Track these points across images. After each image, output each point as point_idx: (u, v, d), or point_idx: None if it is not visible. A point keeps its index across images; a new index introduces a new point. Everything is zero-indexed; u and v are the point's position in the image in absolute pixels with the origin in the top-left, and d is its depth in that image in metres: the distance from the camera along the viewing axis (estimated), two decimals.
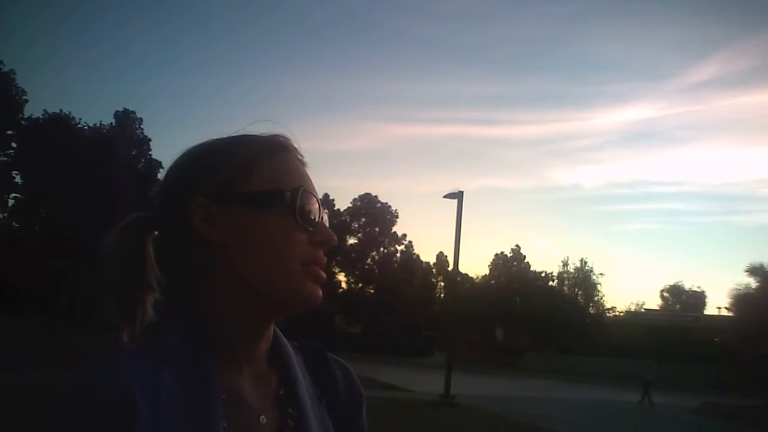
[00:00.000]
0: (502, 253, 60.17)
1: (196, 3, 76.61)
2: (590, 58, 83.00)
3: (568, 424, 15.44)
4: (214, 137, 0.95)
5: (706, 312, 56.95)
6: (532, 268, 58.96)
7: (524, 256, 59.72)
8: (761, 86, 77.98)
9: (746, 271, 38.28)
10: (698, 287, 66.18)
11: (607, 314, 58.07)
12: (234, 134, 0.95)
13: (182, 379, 0.82)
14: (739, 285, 38.51)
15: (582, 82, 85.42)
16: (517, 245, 60.14)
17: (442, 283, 56.58)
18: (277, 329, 0.98)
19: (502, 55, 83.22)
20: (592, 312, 57.00)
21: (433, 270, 57.82)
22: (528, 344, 46.44)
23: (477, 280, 58.83)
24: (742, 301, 37.41)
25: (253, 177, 0.90)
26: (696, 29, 77.09)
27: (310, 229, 0.89)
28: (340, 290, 53.69)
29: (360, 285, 54.61)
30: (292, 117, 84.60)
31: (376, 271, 54.13)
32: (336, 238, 0.93)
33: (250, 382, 0.91)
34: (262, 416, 0.89)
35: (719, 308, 50.62)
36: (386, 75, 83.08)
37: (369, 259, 55.56)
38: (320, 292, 0.90)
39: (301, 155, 0.98)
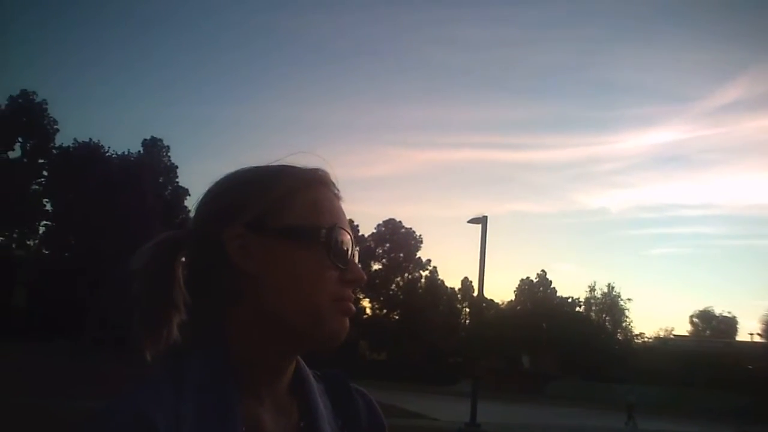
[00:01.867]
0: (527, 278, 59.59)
1: (222, 32, 77.98)
2: (615, 82, 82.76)
3: None
4: (254, 165, 0.95)
5: (737, 338, 55.75)
6: (558, 294, 58.29)
7: (550, 282, 59.10)
8: None
9: None
10: (729, 312, 64.87)
11: (636, 340, 57.03)
12: (273, 163, 0.95)
13: (204, 407, 0.82)
14: None
15: (607, 106, 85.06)
16: (543, 270, 59.56)
17: (468, 309, 56.16)
18: (300, 359, 0.97)
19: (527, 80, 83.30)
20: (620, 338, 56.04)
21: (458, 296, 57.42)
22: (555, 370, 45.77)
23: (502, 306, 58.27)
24: None
25: (291, 210, 0.90)
26: (720, 51, 76.68)
27: (342, 267, 0.89)
28: (365, 316, 53.53)
29: (385, 311, 54.41)
30: (317, 143, 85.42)
31: (401, 296, 53.94)
32: (365, 277, 0.93)
33: (271, 413, 0.90)
34: None
35: (751, 334, 49.57)
36: (412, 101, 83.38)
37: (393, 285, 55.41)
38: (347, 326, 0.89)
39: (338, 190, 0.97)
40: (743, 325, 74.74)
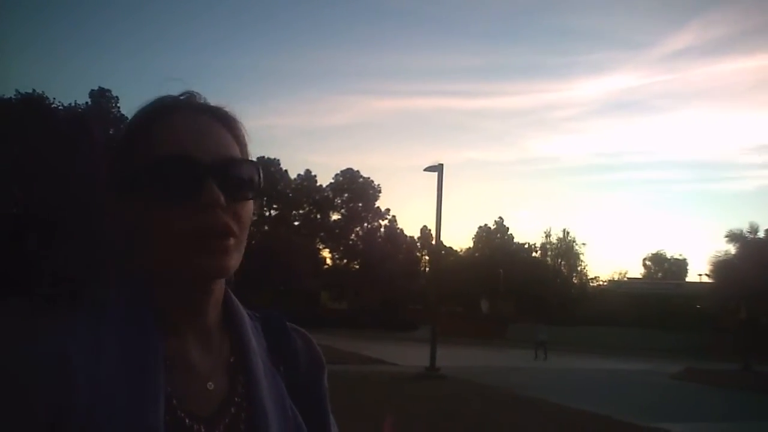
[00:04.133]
0: (485, 225, 60.30)
1: None
2: (569, 28, 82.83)
3: (554, 392, 15.52)
4: None
5: (687, 279, 57.65)
6: (515, 240, 59.21)
7: (507, 228, 59.92)
8: (735, 54, 78.11)
9: (726, 237, 38.75)
10: (680, 255, 66.97)
11: (591, 284, 58.56)
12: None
13: (124, 341, 0.84)
14: (719, 252, 39.01)
15: (561, 53, 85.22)
16: (500, 217, 60.30)
17: (427, 257, 56.68)
18: (232, 296, 0.98)
19: (482, 26, 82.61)
20: (575, 282, 57.44)
21: (418, 244, 57.85)
22: (513, 315, 46.76)
23: (461, 253, 58.98)
24: (721, 267, 37.89)
25: (133, 155, 0.89)
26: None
27: (183, 197, 0.85)
28: (326, 267, 53.61)
29: (345, 261, 54.56)
30: (272, 93, 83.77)
31: (361, 246, 54.07)
32: (222, 198, 0.86)
33: (198, 349, 0.91)
34: (210, 383, 0.90)
35: (700, 275, 51.24)
36: (366, 48, 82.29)
37: (353, 235, 55.47)
38: (220, 263, 0.86)
39: (200, 106, 0.94)
40: (693, 266, 77.38)
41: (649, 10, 78.35)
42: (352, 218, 55.29)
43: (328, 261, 54.83)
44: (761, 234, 38.39)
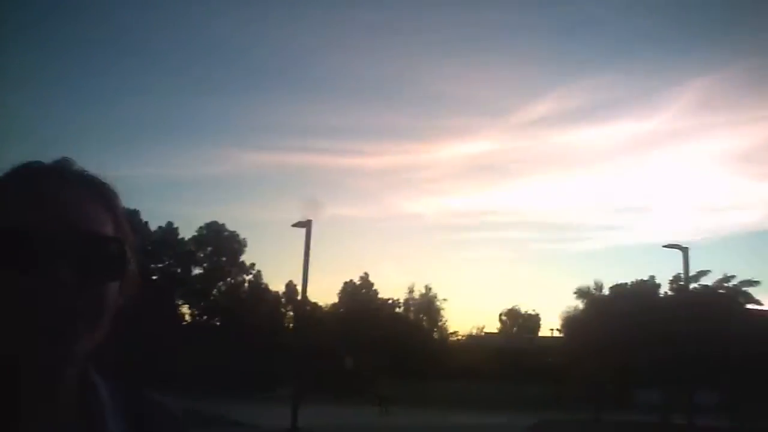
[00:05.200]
0: (351, 281, 60.60)
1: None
2: (435, 94, 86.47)
3: None
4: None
5: (540, 334, 60.63)
6: (379, 296, 59.85)
7: (372, 284, 60.52)
8: (587, 124, 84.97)
9: (575, 293, 41.42)
10: (533, 310, 70.35)
11: (451, 338, 60.07)
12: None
13: None
14: (569, 307, 41.65)
15: (427, 116, 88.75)
16: (365, 273, 60.84)
17: (292, 313, 55.95)
18: (93, 376, 0.89)
19: (352, 86, 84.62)
20: (436, 337, 58.69)
21: (282, 300, 57.02)
22: (377, 371, 46.87)
23: (326, 309, 58.76)
24: (570, 322, 40.40)
25: None
26: (533, 71, 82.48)
27: (23, 272, 0.76)
28: (185, 323, 51.44)
29: (205, 317, 52.66)
30: (132, 141, 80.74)
31: (223, 302, 52.52)
32: (69, 277, 0.77)
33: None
34: None
35: (552, 330, 54.13)
36: (237, 100, 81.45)
37: (215, 290, 53.82)
38: (62, 348, 0.78)
39: (72, 174, 0.85)
40: (546, 321, 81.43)
41: (511, 81, 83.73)
42: (214, 273, 53.74)
43: (187, 317, 52.69)
44: (606, 291, 41.37)
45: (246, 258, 55.54)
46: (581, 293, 41.45)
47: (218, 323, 51.90)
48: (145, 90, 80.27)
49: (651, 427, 27.29)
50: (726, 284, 38.36)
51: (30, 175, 0.83)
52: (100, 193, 0.85)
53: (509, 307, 71.03)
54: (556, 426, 25.34)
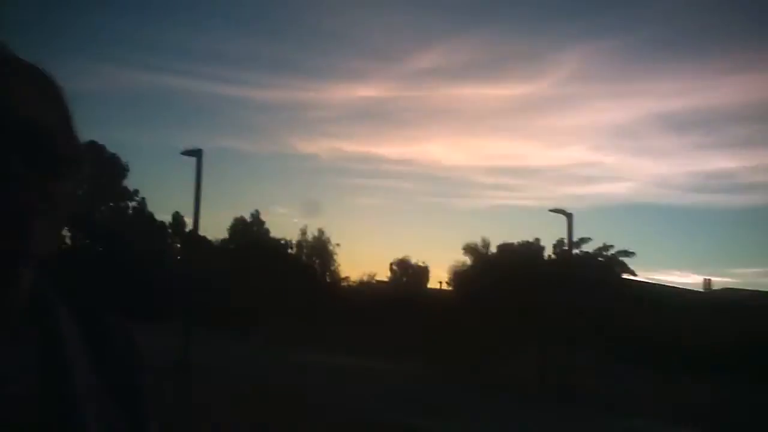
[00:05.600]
0: (242, 217, 59.52)
1: None
2: (331, 32, 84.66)
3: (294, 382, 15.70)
4: None
5: (429, 285, 62.29)
6: (272, 235, 59.25)
7: (263, 222, 59.74)
8: (476, 80, 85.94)
9: (463, 249, 42.67)
10: (423, 262, 72.01)
11: (342, 283, 60.61)
12: None
13: None
14: (457, 262, 42.93)
15: (321, 54, 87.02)
16: (257, 210, 59.90)
17: (179, 245, 54.40)
18: (43, 280, 0.86)
19: (250, 11, 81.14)
20: (328, 280, 59.02)
21: (169, 230, 55.24)
22: (265, 309, 46.70)
23: (216, 243, 57.55)
24: (458, 276, 41.69)
25: None
26: (425, 18, 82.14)
27: None
28: (64, 246, 48.81)
29: (87, 242, 50.18)
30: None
31: (106, 227, 50.19)
32: (25, 173, 0.73)
33: None
34: (12, 385, 0.79)
35: (440, 282, 55.68)
36: (118, 14, 76.46)
37: (98, 214, 51.30)
38: (19, 246, 0.74)
39: (13, 62, 0.78)
40: (434, 274, 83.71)
41: (402, 27, 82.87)
42: (94, 196, 51.13)
43: (68, 240, 50.04)
44: (493, 249, 42.85)
45: (129, 184, 53.18)
46: (469, 249, 42.80)
47: (101, 249, 49.61)
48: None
49: (524, 382, 28.75)
50: (605, 252, 40.72)
51: None
52: (48, 85, 0.81)
53: (400, 257, 72.45)
54: (435, 374, 26.39)
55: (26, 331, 0.83)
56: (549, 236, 53.24)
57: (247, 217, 59.33)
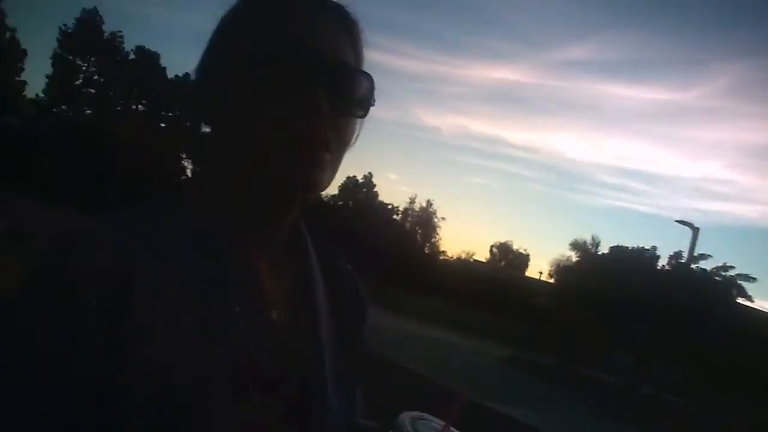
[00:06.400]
0: (353, 176, 60.25)
1: None
2: (479, 9, 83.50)
3: (391, 349, 15.70)
4: None
5: (527, 274, 61.22)
6: (380, 198, 59.73)
7: (374, 185, 60.24)
8: (621, 80, 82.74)
9: (570, 245, 41.30)
10: (524, 250, 70.70)
11: (440, 257, 60.52)
12: None
13: (197, 247, 0.75)
14: (562, 256, 41.65)
15: (465, 30, 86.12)
16: (369, 173, 60.43)
17: None
18: (301, 223, 0.89)
19: None
20: (427, 252, 59.06)
21: None
22: (365, 270, 47.38)
23: (324, 199, 58.67)
24: (562, 270, 40.47)
25: (238, 37, 0.78)
26: (580, 8, 79.65)
27: (282, 95, 0.74)
28: (183, 177, 51.24)
29: None
30: None
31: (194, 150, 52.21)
32: (327, 106, 0.75)
33: (265, 271, 0.82)
34: (275, 311, 0.82)
35: (540, 273, 54.44)
36: None
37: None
38: (310, 176, 0.76)
39: (323, 2, 0.81)
40: (534, 263, 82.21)
41: (559, 15, 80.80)
42: None
43: (188, 173, 52.44)
44: (602, 249, 41.25)
45: None
46: (576, 245, 41.35)
47: None
48: None
49: (613, 389, 27.70)
50: (723, 273, 38.24)
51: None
52: (349, 25, 0.82)
53: (502, 240, 71.44)
54: (525, 363, 25.90)
55: (286, 265, 0.85)
56: (665, 247, 50.79)
57: (360, 178, 60.08)
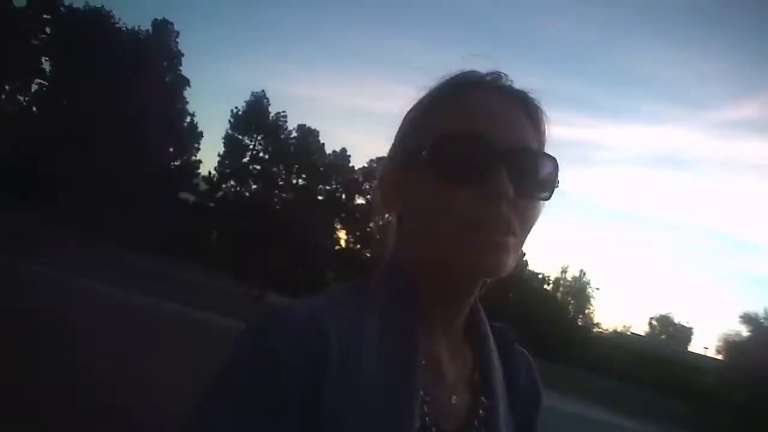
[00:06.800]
0: None
1: None
2: (635, 73, 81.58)
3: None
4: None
5: (690, 348, 57.09)
6: (530, 267, 58.72)
7: (525, 253, 59.36)
8: None
9: (740, 318, 38.31)
10: (687, 323, 66.14)
11: (594, 330, 58.07)
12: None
13: (386, 332, 0.78)
14: (731, 331, 38.65)
15: (619, 93, 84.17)
16: None
17: None
18: (478, 302, 0.90)
19: (545, 51, 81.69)
20: (580, 324, 56.94)
21: None
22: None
23: None
24: (732, 346, 37.49)
25: (422, 130, 0.83)
26: (741, 66, 75.56)
27: (467, 181, 0.77)
28: (337, 248, 53.51)
29: (358, 246, 54.39)
30: (321, 63, 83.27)
31: (377, 235, 53.91)
32: (511, 189, 0.77)
33: (447, 357, 0.85)
34: (455, 396, 0.83)
35: (706, 348, 50.67)
36: (436, 40, 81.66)
37: (372, 222, 55.24)
38: (495, 261, 0.77)
39: (505, 88, 0.85)
40: (697, 337, 76.57)
41: (717, 74, 77.11)
42: None
43: (342, 243, 54.69)
44: None
45: None
46: (747, 319, 38.33)
47: (368, 255, 53.46)
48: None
49: None
50: None
51: (468, 85, 0.84)
52: (530, 109, 0.85)
53: (662, 312, 67.32)
54: None
55: (465, 350, 0.88)
56: None
57: None
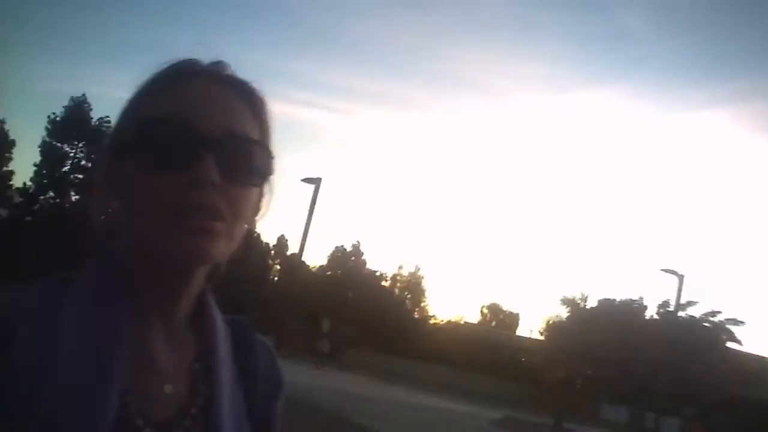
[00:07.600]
0: (342, 246, 60.55)
1: None
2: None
3: (379, 421, 15.70)
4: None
5: (518, 333, 60.99)
6: (368, 266, 59.89)
7: (362, 253, 60.49)
8: None
9: (560, 301, 41.52)
10: (515, 309, 70.55)
11: (429, 321, 60.38)
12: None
13: (85, 321, 0.75)
14: (553, 314, 41.82)
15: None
16: (357, 241, 60.78)
17: (279, 267, 55.96)
18: (208, 293, 0.89)
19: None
20: (416, 317, 58.93)
21: (272, 252, 56.93)
22: (353, 339, 47.18)
23: (314, 270, 58.84)
24: (552, 328, 40.54)
25: (134, 116, 0.82)
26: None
27: (170, 167, 0.76)
28: None
29: None
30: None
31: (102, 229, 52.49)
32: (216, 175, 0.76)
33: (162, 345, 0.82)
34: (169, 385, 0.81)
35: (531, 331, 54.36)
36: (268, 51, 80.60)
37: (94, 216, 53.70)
38: (200, 247, 0.75)
39: (224, 77, 0.84)
40: (525, 321, 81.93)
41: None
42: None
43: None
44: (591, 303, 41.48)
45: None
46: (566, 302, 41.56)
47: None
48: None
49: None
50: (711, 318, 38.44)
51: (185, 71, 0.82)
52: (251, 98, 0.84)
53: (492, 301, 71.40)
54: (519, 425, 25.58)
55: (187, 340, 0.86)
56: (652, 296, 50.84)
57: (348, 247, 60.34)
